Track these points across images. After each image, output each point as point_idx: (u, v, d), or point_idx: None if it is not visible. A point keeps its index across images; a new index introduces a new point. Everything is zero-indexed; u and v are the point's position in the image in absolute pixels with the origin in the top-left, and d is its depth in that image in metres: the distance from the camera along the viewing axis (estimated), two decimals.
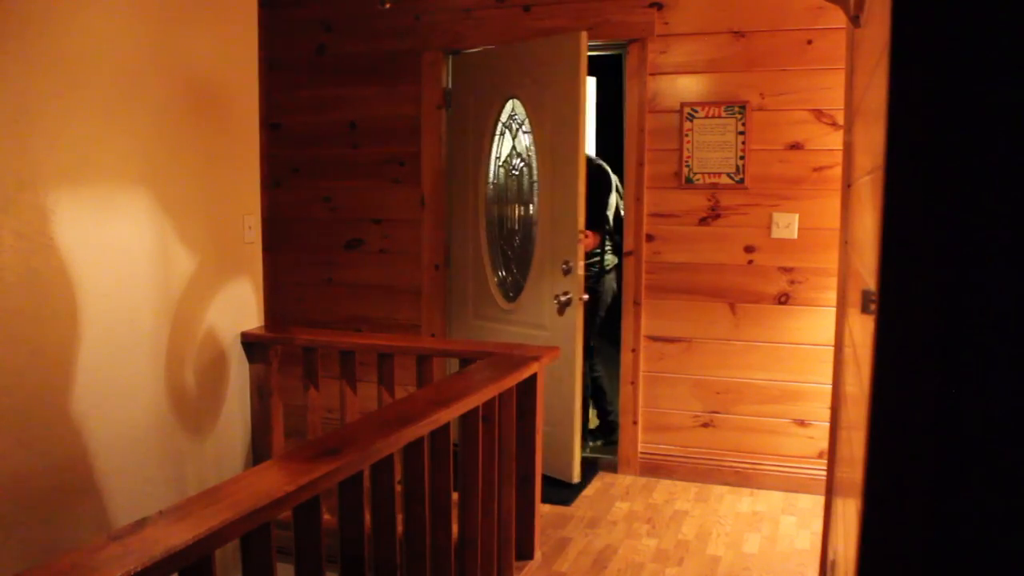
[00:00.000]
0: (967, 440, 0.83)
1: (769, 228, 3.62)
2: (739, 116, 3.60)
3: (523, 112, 3.93)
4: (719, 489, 3.71)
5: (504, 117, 4.02)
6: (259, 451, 3.31)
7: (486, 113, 4.03)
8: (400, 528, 2.12)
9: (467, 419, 2.40)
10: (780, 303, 3.64)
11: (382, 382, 3.06)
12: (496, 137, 4.06)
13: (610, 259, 4.25)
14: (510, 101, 3.97)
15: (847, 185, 2.37)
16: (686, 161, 3.70)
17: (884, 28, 0.92)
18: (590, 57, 3.65)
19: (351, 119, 4.25)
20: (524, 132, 3.98)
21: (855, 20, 1.81)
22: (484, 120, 4.05)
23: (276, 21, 4.27)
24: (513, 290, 4.04)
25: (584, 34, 3.58)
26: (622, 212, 4.03)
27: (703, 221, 3.71)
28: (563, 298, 3.68)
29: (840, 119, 3.41)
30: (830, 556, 2.16)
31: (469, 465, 2.46)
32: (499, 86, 3.97)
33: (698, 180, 3.70)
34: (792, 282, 3.62)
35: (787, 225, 3.59)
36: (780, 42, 3.54)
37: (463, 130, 4.12)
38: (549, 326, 3.75)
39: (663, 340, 3.82)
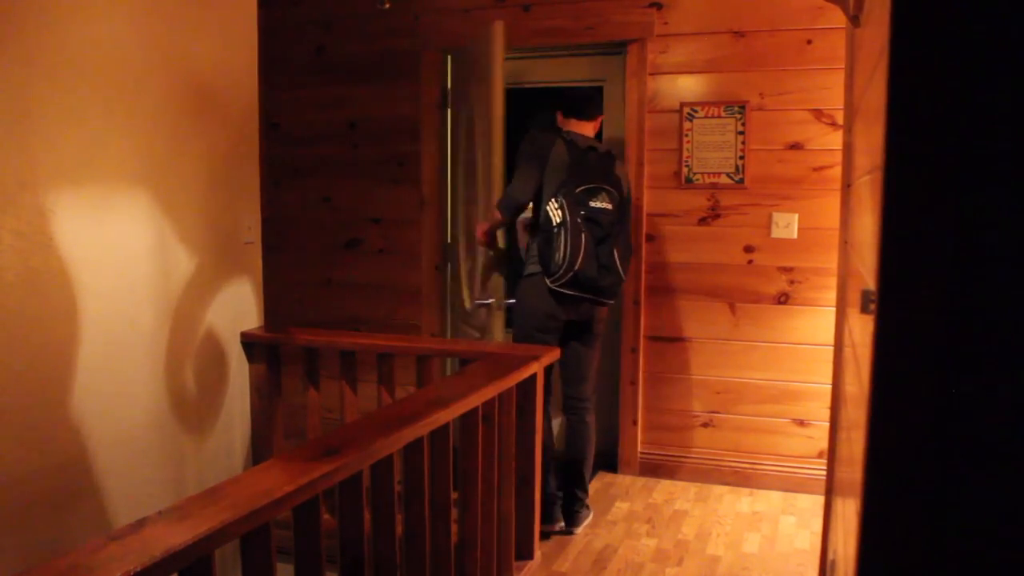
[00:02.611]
0: (967, 440, 0.83)
1: (769, 228, 3.62)
2: (739, 116, 3.60)
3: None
4: (719, 489, 3.71)
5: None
6: (259, 451, 3.31)
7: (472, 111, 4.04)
8: (400, 528, 2.12)
9: (467, 419, 2.40)
10: (780, 303, 3.64)
11: (382, 382, 3.06)
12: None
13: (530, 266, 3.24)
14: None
15: (847, 185, 2.37)
16: (686, 161, 3.70)
17: (883, 28, 0.92)
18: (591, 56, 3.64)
19: (351, 119, 4.25)
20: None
21: (855, 20, 1.81)
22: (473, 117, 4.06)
23: (276, 21, 4.27)
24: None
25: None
26: (551, 202, 3.12)
27: (703, 221, 3.71)
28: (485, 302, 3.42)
29: (840, 119, 3.41)
30: (830, 556, 2.16)
31: (469, 465, 2.46)
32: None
33: (698, 180, 3.70)
34: (792, 282, 3.62)
35: (787, 225, 3.59)
36: (780, 42, 3.54)
37: (468, 129, 4.12)
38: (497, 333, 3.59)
39: (663, 340, 3.82)
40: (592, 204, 3.10)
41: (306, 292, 4.42)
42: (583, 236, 3.05)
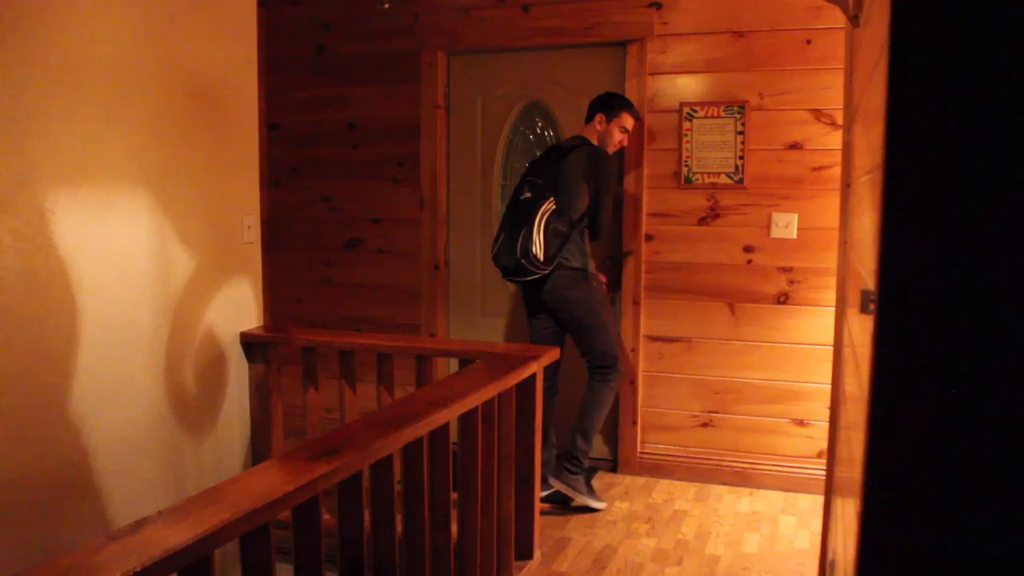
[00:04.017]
0: (967, 440, 0.83)
1: (768, 228, 3.62)
2: (738, 116, 3.60)
3: (544, 113, 4.05)
4: (718, 489, 3.71)
5: (516, 118, 4.10)
6: (259, 451, 3.31)
7: (499, 113, 4.09)
8: (399, 528, 2.12)
9: (467, 419, 2.40)
10: (779, 303, 3.64)
11: (382, 382, 3.06)
12: (511, 137, 4.11)
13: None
14: (525, 103, 4.06)
15: (846, 185, 2.37)
16: (685, 161, 3.70)
17: (883, 28, 0.92)
18: None
19: (351, 119, 4.25)
20: (547, 133, 4.07)
21: (854, 20, 1.81)
22: (497, 120, 4.09)
23: (276, 21, 4.27)
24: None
25: (627, 47, 3.74)
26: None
27: (702, 221, 3.71)
28: None
29: (839, 119, 3.41)
30: (829, 556, 2.16)
31: (469, 465, 2.46)
32: (517, 88, 4.05)
33: (697, 180, 3.70)
34: (791, 282, 3.62)
35: (786, 225, 3.59)
36: (779, 42, 3.54)
37: (468, 130, 4.13)
38: None
39: (662, 340, 3.82)
40: (519, 198, 3.44)
41: (306, 292, 4.42)
42: (502, 231, 3.46)
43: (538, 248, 3.34)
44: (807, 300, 3.60)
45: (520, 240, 3.36)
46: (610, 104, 3.50)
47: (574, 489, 3.41)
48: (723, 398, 3.75)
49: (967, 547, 0.84)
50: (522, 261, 3.35)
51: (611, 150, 3.52)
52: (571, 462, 3.41)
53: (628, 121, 3.51)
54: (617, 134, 3.49)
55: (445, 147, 4.15)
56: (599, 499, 3.47)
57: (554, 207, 3.39)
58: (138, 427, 2.76)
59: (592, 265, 3.51)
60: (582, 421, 3.44)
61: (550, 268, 3.39)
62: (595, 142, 3.48)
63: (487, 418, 2.51)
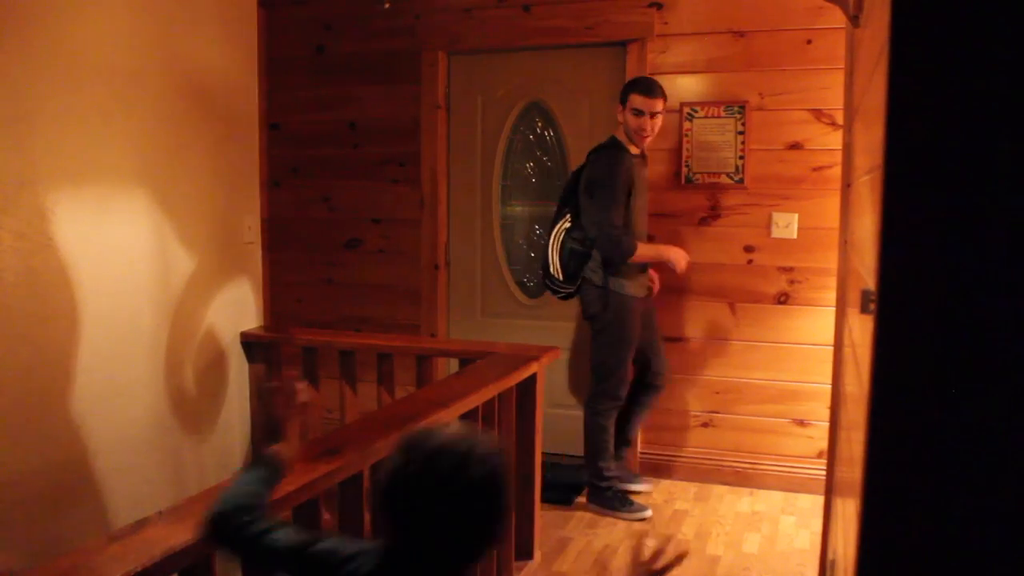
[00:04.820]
0: (967, 440, 0.83)
1: (769, 228, 3.62)
2: (739, 116, 3.60)
3: (544, 113, 4.05)
4: (719, 489, 3.71)
5: (516, 118, 4.10)
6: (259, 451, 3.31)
7: (500, 113, 4.09)
8: None
9: (467, 419, 2.40)
10: (780, 303, 3.64)
11: (382, 382, 3.06)
12: (511, 137, 4.12)
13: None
14: (525, 103, 4.06)
15: (847, 185, 2.37)
16: (686, 161, 3.70)
17: (883, 28, 0.92)
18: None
19: (351, 119, 4.24)
20: (547, 133, 4.07)
21: (854, 20, 1.81)
22: (497, 120, 4.10)
23: (276, 21, 4.26)
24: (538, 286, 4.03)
25: (627, 47, 3.73)
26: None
27: (703, 221, 3.71)
28: None
29: (840, 119, 3.41)
30: (830, 556, 2.16)
31: None
32: (517, 88, 4.05)
33: (698, 180, 3.69)
34: (792, 282, 3.61)
35: (787, 225, 3.59)
36: (780, 42, 3.53)
37: (468, 130, 4.13)
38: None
39: (663, 340, 3.81)
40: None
41: (306, 292, 4.42)
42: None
43: (555, 268, 3.40)
44: (807, 300, 3.60)
45: (543, 260, 3.48)
46: (622, 91, 3.37)
47: (616, 510, 3.41)
48: (723, 398, 3.75)
49: (967, 547, 0.84)
50: (545, 281, 3.48)
51: (642, 140, 3.33)
52: (600, 486, 3.44)
53: (638, 101, 3.26)
54: (632, 120, 3.29)
55: (445, 147, 4.15)
56: (641, 508, 3.42)
57: (569, 224, 3.39)
58: (139, 427, 2.76)
59: (622, 285, 3.34)
60: (586, 453, 3.48)
61: (574, 286, 3.40)
62: (622, 137, 3.35)
63: (487, 418, 2.51)
